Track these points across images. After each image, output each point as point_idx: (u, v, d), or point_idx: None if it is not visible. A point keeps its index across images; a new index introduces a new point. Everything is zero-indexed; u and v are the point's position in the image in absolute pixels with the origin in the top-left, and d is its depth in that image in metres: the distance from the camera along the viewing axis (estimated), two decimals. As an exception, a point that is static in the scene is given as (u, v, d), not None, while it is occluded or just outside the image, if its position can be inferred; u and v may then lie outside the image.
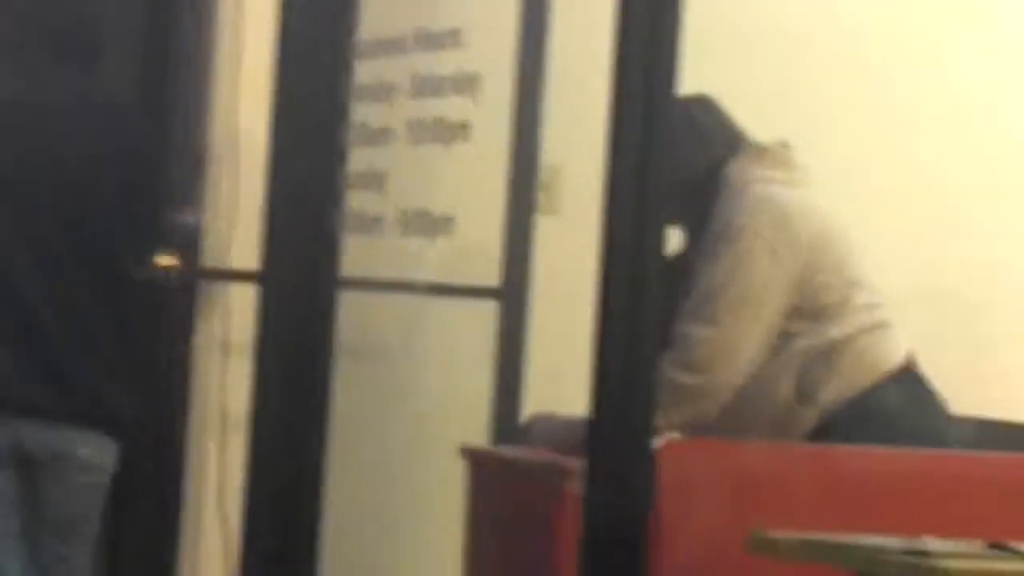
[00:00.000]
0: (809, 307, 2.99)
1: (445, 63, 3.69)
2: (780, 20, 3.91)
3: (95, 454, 2.84)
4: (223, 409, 3.62)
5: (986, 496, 3.08)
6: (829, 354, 3.02)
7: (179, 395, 3.71)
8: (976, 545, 2.55)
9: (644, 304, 2.60)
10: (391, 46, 3.76)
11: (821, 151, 3.60)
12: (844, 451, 3.20)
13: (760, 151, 3.03)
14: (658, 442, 2.83)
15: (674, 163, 2.69)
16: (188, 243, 3.92)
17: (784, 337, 2.91)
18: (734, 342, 2.89)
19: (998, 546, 2.52)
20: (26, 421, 2.77)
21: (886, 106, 3.98)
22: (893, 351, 3.03)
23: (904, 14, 4.00)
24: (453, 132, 3.70)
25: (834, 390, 3.05)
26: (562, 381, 3.37)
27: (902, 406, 3.15)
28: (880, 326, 3.01)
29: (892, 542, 2.55)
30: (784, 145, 3.09)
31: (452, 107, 3.70)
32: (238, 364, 3.57)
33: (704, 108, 3.15)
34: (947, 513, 2.91)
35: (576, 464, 2.81)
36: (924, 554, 2.45)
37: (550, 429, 3.27)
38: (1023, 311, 3.87)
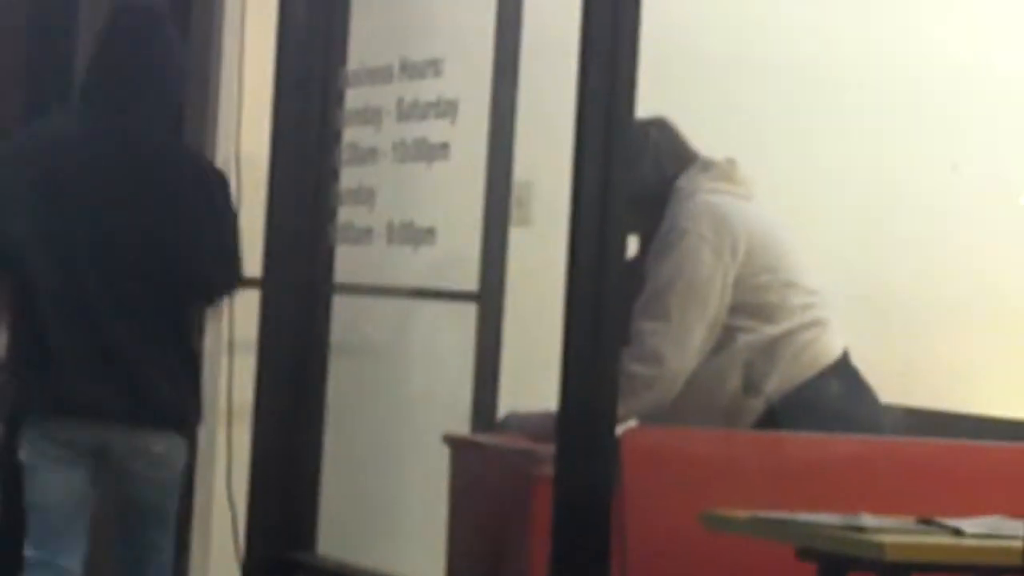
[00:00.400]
0: (750, 305, 3.16)
1: (427, 90, 3.81)
2: (726, 45, 4.10)
3: (170, 450, 3.26)
4: (230, 401, 3.85)
5: (916, 477, 3.26)
6: (771, 349, 3.20)
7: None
8: (907, 521, 2.79)
9: (606, 305, 2.83)
10: (378, 75, 3.90)
11: (768, 164, 3.84)
12: (789, 437, 3.39)
13: (707, 165, 3.21)
14: (620, 429, 3.06)
15: (631, 178, 2.95)
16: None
17: (729, 333, 3.09)
18: (682, 334, 3.06)
19: (926, 521, 2.78)
20: (112, 426, 3.21)
21: (828, 122, 4.14)
22: (830, 346, 3.22)
23: (841, 32, 4.17)
24: (434, 152, 3.82)
25: (777, 382, 3.23)
26: (534, 376, 3.60)
27: (839, 396, 3.34)
28: (816, 323, 3.20)
29: (832, 519, 2.78)
30: (730, 161, 3.28)
31: (433, 129, 3.81)
32: (243, 361, 3.84)
33: (660, 128, 3.33)
34: (881, 493, 3.09)
35: (548, 450, 3.04)
36: (860, 529, 2.69)
37: (524, 420, 3.44)
38: (951, 309, 4.09)
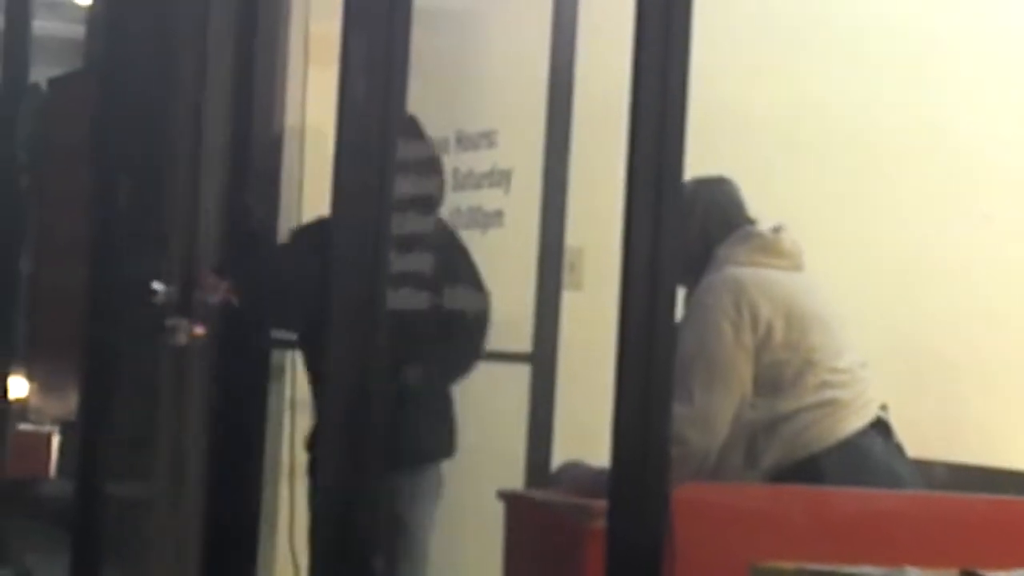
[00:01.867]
0: (764, 380, 3.11)
1: (481, 160, 3.97)
2: (770, 111, 4.17)
3: None
4: (292, 457, 3.96)
5: (958, 532, 3.21)
6: (775, 426, 3.14)
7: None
8: (950, 572, 2.66)
9: (657, 365, 2.86)
10: (437, 144, 3.98)
11: (810, 230, 3.96)
12: (834, 492, 3.28)
13: (748, 235, 3.15)
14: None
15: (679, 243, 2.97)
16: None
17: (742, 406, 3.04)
18: (705, 416, 3.06)
19: (969, 573, 2.66)
20: None
21: (867, 187, 4.19)
22: (837, 426, 3.16)
23: (876, 97, 4.22)
24: (488, 219, 3.95)
25: (773, 458, 3.18)
26: (587, 435, 3.57)
27: (835, 477, 3.25)
28: (829, 403, 3.14)
29: (876, 571, 2.68)
30: (776, 230, 3.18)
31: (487, 198, 3.97)
32: (303, 419, 3.98)
33: (713, 191, 3.25)
34: (924, 547, 3.07)
35: (600, 505, 3.00)
36: None
37: (577, 476, 3.45)
38: (993, 364, 4.10)
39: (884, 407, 3.29)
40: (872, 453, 3.25)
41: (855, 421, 3.20)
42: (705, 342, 3.06)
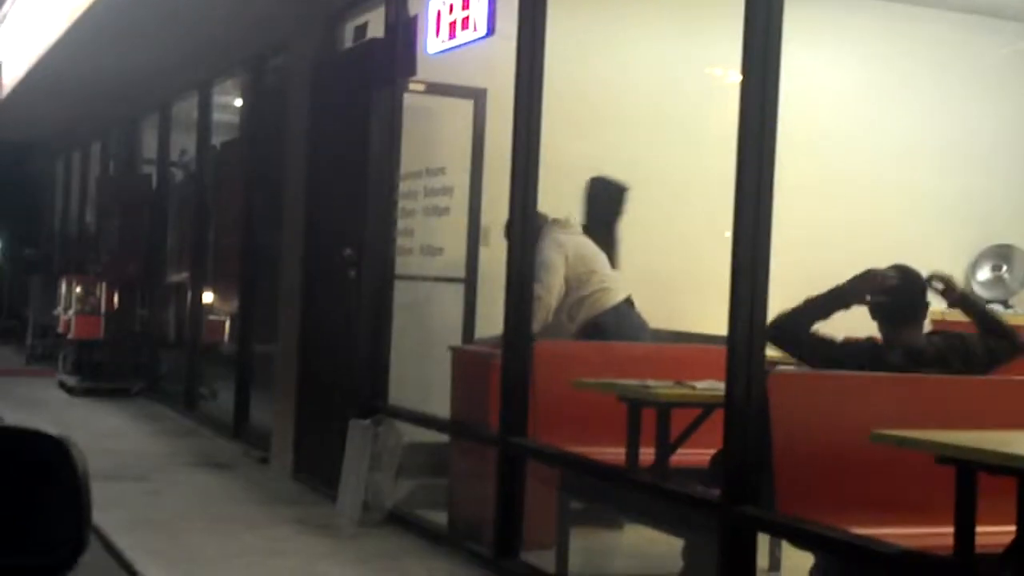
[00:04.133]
0: (572, 281, 5.83)
1: (438, 181, 6.62)
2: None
3: None
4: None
5: (676, 363, 5.25)
6: (580, 301, 5.87)
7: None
8: (668, 382, 4.56)
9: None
10: (415, 174, 6.70)
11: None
12: (609, 344, 5.79)
13: (557, 220, 5.87)
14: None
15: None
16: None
17: (564, 294, 5.86)
18: (547, 287, 5.68)
19: (679, 383, 4.56)
20: None
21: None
22: (607, 300, 5.92)
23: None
24: (441, 211, 6.59)
25: (582, 317, 5.87)
26: (490, 319, 6.07)
27: (612, 324, 5.87)
28: (603, 290, 5.89)
29: (633, 382, 4.58)
30: (567, 217, 5.89)
31: (441, 200, 6.58)
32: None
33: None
34: (658, 371, 4.84)
35: (498, 351, 5.31)
36: (647, 386, 4.50)
37: (487, 338, 5.98)
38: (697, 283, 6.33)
39: (630, 296, 6.04)
40: (627, 314, 6.06)
41: (616, 297, 6.00)
42: (545, 259, 5.70)
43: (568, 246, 6.00)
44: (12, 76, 13.17)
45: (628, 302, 6.18)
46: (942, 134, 7.39)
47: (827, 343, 4.33)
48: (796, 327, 4.28)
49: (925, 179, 7.23)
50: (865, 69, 7.41)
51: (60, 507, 1.12)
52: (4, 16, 11.86)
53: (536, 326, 5.64)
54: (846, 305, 4.35)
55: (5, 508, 1.12)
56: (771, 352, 4.14)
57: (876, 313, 4.33)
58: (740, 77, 3.99)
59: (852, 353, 4.26)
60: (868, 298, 4.36)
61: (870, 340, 4.34)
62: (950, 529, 3.16)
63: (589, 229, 6.20)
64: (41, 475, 1.12)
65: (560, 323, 6.01)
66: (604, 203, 6.22)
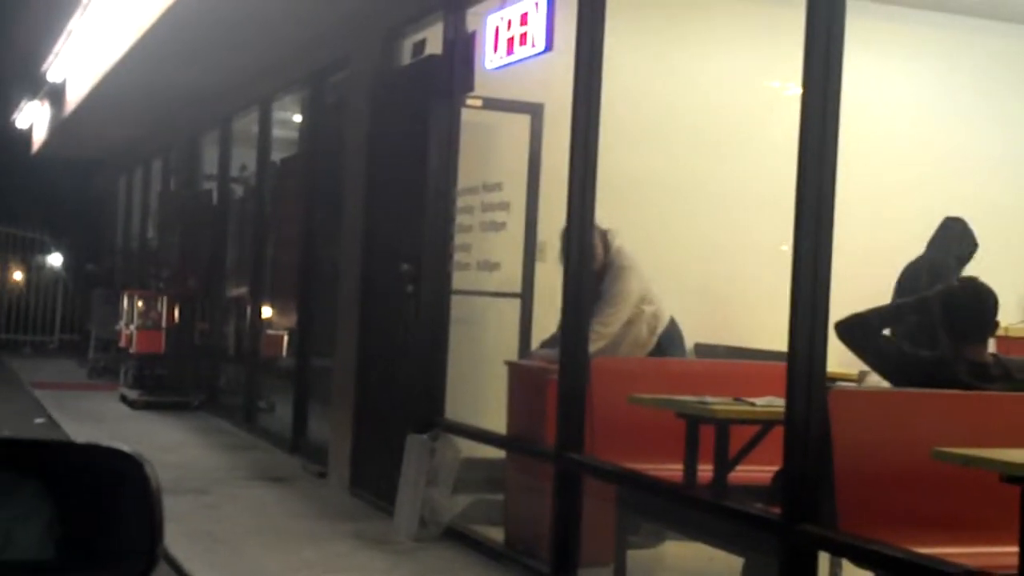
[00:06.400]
0: (647, 295, 5.87)
1: (495, 197, 6.56)
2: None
3: None
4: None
5: (732, 379, 5.32)
6: (655, 315, 5.95)
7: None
8: (727, 399, 4.53)
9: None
10: (472, 189, 6.66)
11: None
12: (667, 360, 5.92)
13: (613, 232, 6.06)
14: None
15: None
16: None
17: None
18: (619, 319, 5.75)
19: (738, 399, 4.52)
20: None
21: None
22: (665, 315, 6.01)
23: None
24: (498, 227, 6.53)
25: (659, 330, 5.96)
26: (545, 332, 6.08)
27: (667, 339, 5.97)
28: (659, 309, 5.98)
29: (691, 398, 4.53)
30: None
31: (498, 215, 6.52)
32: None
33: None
34: (714, 388, 4.81)
35: (555, 367, 5.30)
36: (705, 402, 4.45)
37: (543, 353, 5.94)
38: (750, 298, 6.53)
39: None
40: (677, 330, 6.18)
41: (668, 312, 6.13)
42: (625, 288, 5.87)
43: (637, 263, 6.03)
44: (76, 94, 13.39)
45: (673, 321, 6.25)
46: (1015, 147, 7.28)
47: (897, 349, 4.30)
48: (866, 328, 4.27)
49: (994, 192, 7.13)
50: (933, 81, 7.37)
51: (133, 523, 1.15)
52: (69, 34, 12.06)
53: (592, 349, 5.58)
54: (920, 314, 4.36)
55: (81, 523, 1.15)
56: (832, 368, 4.10)
57: (945, 327, 4.28)
58: (800, 90, 3.97)
59: (920, 363, 4.22)
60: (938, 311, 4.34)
61: (938, 353, 4.30)
62: (1015, 549, 3.12)
63: (941, 264, 6.35)
64: (116, 491, 1.15)
65: (639, 336, 6.02)
66: (956, 241, 6.42)
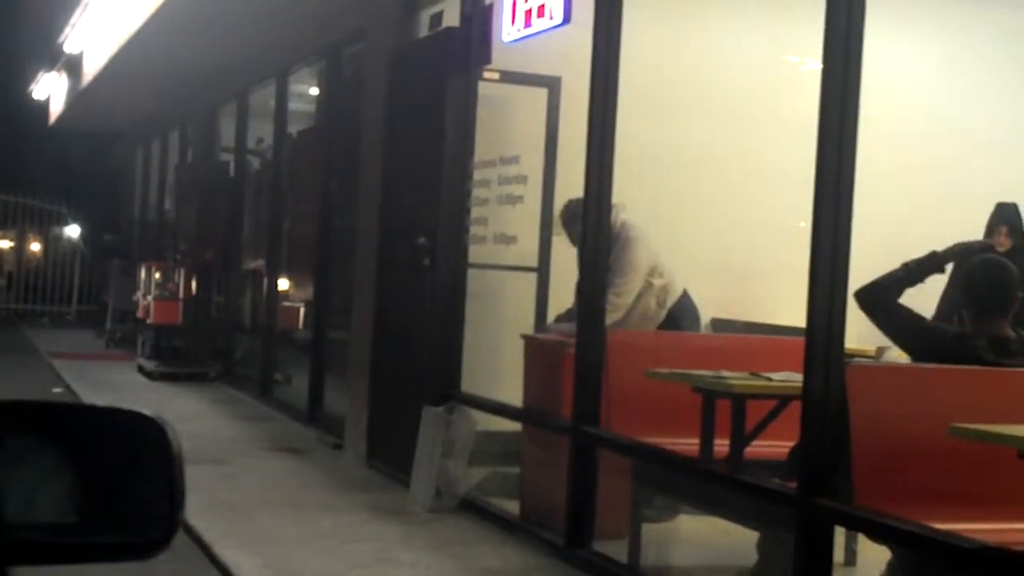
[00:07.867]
0: (657, 268, 5.85)
1: (512, 170, 6.60)
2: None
3: None
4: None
5: (749, 353, 5.31)
6: (665, 288, 5.94)
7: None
8: (744, 374, 4.61)
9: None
10: (489, 162, 6.68)
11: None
12: (684, 335, 5.90)
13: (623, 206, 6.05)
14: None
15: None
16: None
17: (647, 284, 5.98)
18: (630, 291, 5.75)
19: (755, 374, 4.60)
20: None
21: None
22: (677, 288, 5.98)
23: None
24: (515, 200, 6.58)
25: (669, 303, 5.94)
26: (561, 306, 6.09)
27: (679, 312, 5.98)
28: (669, 282, 5.95)
29: (707, 373, 4.61)
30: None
31: (515, 189, 6.58)
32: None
33: None
34: (731, 363, 4.98)
35: (571, 340, 5.30)
36: (721, 377, 4.52)
37: (559, 327, 5.94)
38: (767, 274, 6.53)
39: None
40: (690, 303, 6.18)
41: (681, 286, 6.11)
42: (633, 258, 5.86)
43: (644, 236, 6.01)
44: (94, 66, 13.41)
45: (686, 294, 6.22)
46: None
47: (918, 319, 4.30)
48: (885, 294, 4.26)
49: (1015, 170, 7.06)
50: (952, 57, 7.31)
51: (155, 487, 1.15)
52: (86, 6, 12.06)
53: (609, 321, 5.60)
54: (940, 268, 4.39)
55: (102, 486, 1.15)
56: (850, 345, 4.08)
57: (965, 302, 4.27)
58: (820, 65, 3.95)
59: (940, 336, 4.22)
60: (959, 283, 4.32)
61: (959, 326, 4.30)
62: (1032, 525, 3.09)
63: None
64: (137, 455, 1.15)
65: (648, 309, 5.99)
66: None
